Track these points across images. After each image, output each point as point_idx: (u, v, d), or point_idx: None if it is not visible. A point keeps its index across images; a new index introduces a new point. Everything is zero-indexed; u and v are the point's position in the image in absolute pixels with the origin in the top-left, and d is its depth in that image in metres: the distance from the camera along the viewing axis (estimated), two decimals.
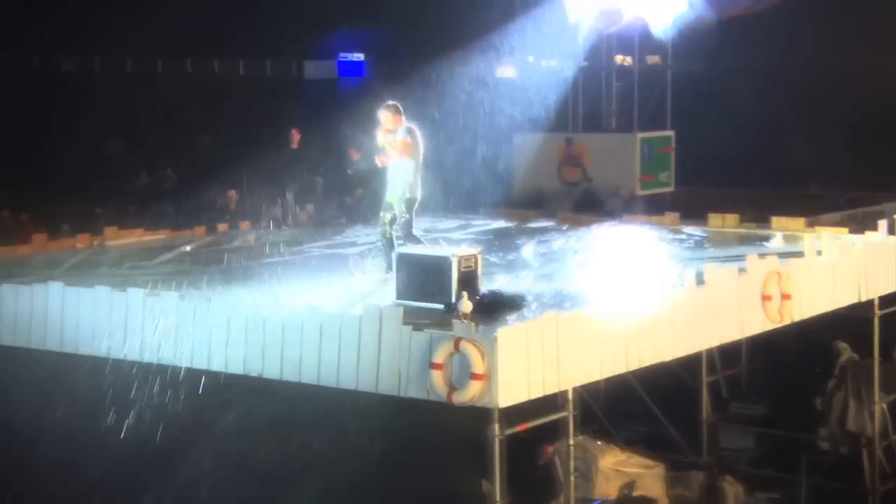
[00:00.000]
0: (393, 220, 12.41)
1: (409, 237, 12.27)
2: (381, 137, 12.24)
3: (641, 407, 16.81)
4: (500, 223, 19.11)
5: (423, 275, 11.31)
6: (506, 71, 27.75)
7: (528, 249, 15.70)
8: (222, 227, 18.13)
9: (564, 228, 18.04)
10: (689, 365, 15.67)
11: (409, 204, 12.31)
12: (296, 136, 16.42)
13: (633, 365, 11.22)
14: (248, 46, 31.62)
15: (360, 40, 33.78)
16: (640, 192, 25.40)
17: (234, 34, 30.79)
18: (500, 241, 16.60)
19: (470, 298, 10.80)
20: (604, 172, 25.69)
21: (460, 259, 11.29)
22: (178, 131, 27.89)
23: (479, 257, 11.53)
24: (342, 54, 35.04)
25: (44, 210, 22.82)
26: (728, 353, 17.29)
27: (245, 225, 18.34)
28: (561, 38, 24.59)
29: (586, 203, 24.12)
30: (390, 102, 12.24)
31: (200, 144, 27.31)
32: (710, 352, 16.14)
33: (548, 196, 24.68)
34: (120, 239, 16.60)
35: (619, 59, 26.45)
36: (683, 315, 11.74)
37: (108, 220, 18.01)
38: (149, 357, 11.38)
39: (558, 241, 16.48)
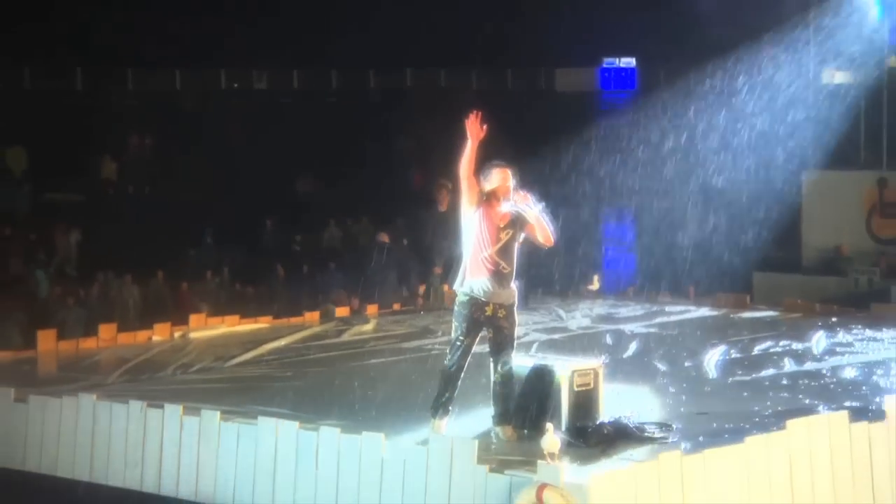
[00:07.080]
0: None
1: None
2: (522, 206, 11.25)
3: None
4: (704, 311, 18.78)
5: (522, 394, 11.38)
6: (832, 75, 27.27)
7: (713, 356, 15.44)
8: (342, 311, 18.24)
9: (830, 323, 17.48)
10: None
11: None
12: (444, 197, 16.47)
13: None
14: (484, 53, 32.14)
15: (630, 42, 33.65)
16: None
17: (467, 39, 31.33)
18: (685, 341, 16.35)
19: (584, 426, 10.82)
20: None
21: (573, 374, 11.28)
22: (385, 163, 28.39)
23: (601, 372, 11.47)
24: (607, 60, 35.33)
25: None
26: None
27: (372, 309, 18.34)
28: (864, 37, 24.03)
29: None
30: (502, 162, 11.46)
31: (409, 184, 27.80)
32: None
33: (850, 257, 23.98)
34: (209, 329, 17.02)
35: None
36: None
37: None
38: (185, 492, 11.78)
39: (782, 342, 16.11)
